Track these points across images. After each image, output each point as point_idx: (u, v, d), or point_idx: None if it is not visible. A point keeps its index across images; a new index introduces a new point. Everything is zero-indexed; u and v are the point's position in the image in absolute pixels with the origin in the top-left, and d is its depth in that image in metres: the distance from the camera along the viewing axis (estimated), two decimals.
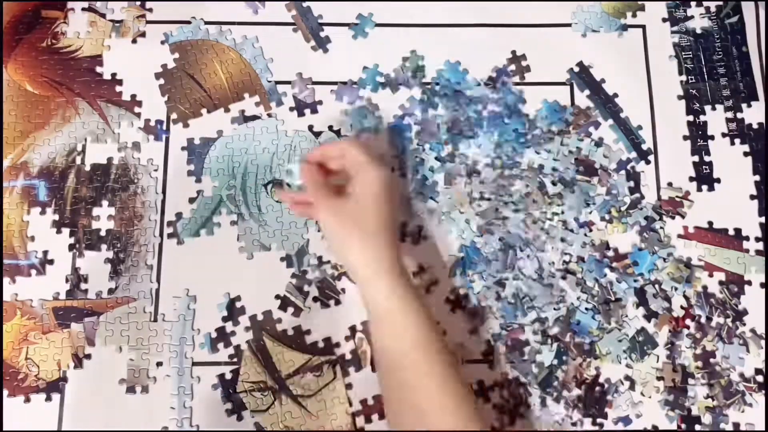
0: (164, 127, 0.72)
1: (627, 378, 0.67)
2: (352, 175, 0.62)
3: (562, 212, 0.70)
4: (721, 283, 0.70)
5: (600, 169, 0.72)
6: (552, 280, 0.69)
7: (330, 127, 0.72)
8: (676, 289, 0.69)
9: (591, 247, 0.70)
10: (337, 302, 0.68)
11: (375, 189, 0.60)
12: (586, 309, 0.68)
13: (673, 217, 0.71)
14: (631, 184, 0.72)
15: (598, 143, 0.73)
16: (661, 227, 0.71)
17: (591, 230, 0.70)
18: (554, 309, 0.68)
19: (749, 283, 0.70)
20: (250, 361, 0.66)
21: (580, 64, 0.75)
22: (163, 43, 0.74)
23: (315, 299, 0.68)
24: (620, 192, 0.71)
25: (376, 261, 0.59)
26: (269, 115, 0.72)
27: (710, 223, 0.71)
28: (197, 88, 0.73)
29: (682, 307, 0.69)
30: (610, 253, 0.70)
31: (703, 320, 0.69)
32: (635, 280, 0.69)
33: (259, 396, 0.65)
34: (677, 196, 0.72)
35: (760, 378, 0.67)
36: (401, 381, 0.58)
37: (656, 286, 0.69)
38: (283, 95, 0.73)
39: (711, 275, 0.70)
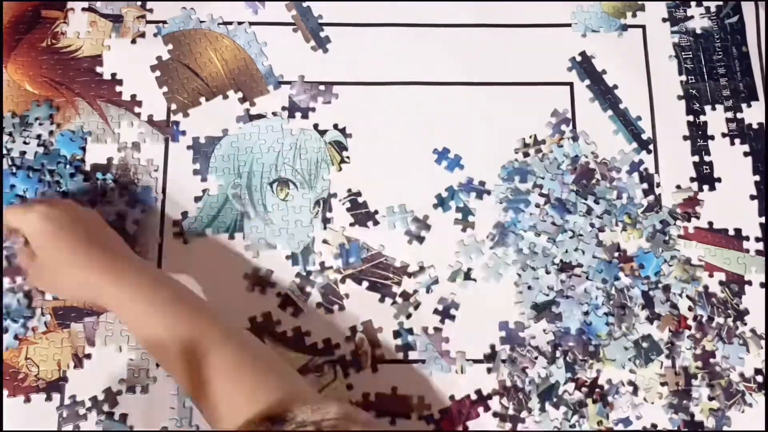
0: (179, 128, 0.72)
1: (630, 383, 0.67)
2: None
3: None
4: (721, 283, 0.69)
5: (597, 166, 0.72)
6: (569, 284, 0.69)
7: (335, 125, 0.72)
8: (685, 290, 0.69)
9: (602, 249, 0.69)
10: (341, 308, 0.68)
11: (40, 240, 0.58)
12: (604, 314, 0.68)
13: (689, 219, 0.71)
14: (645, 186, 0.71)
15: (575, 137, 0.72)
16: (671, 230, 0.71)
17: (603, 230, 0.70)
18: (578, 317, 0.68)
19: (749, 283, 0.70)
20: None
21: (582, 53, 0.75)
22: (156, 35, 0.74)
23: (318, 305, 0.68)
24: (634, 195, 0.71)
25: (94, 285, 0.58)
26: (274, 114, 0.72)
27: (710, 224, 0.71)
28: (194, 78, 0.73)
29: (689, 309, 0.68)
30: (617, 254, 0.70)
31: (704, 320, 0.68)
32: (643, 283, 0.69)
33: None
34: (689, 197, 0.71)
35: (759, 378, 0.67)
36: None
37: (660, 286, 0.69)
38: (280, 77, 0.73)
39: (711, 275, 0.70)
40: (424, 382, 0.66)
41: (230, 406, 0.53)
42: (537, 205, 0.70)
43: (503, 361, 0.67)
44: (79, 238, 0.59)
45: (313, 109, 0.73)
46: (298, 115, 0.73)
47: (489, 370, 0.67)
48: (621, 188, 0.71)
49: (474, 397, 0.66)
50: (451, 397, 0.66)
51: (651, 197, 0.71)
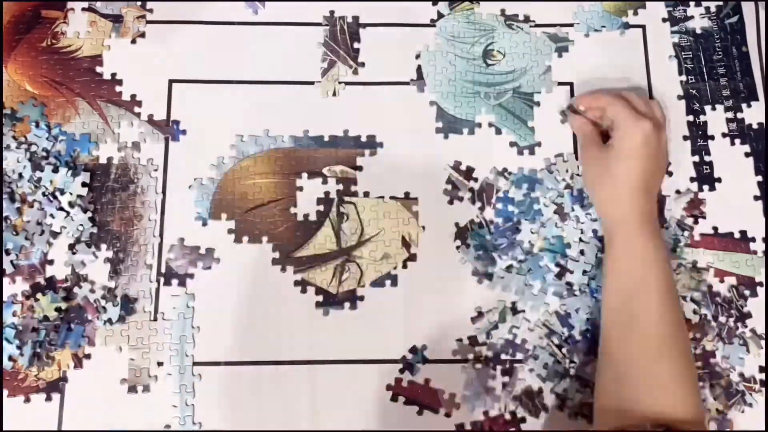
0: (180, 127, 0.72)
1: None
2: (615, 128, 0.65)
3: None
4: (732, 287, 0.69)
5: None
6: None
7: None
8: (692, 299, 0.68)
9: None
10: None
11: (635, 143, 0.63)
12: None
13: (697, 221, 0.70)
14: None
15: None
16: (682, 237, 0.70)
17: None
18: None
19: (761, 284, 0.69)
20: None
21: None
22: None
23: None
24: None
25: (625, 215, 0.63)
26: None
27: (715, 229, 0.70)
28: None
29: (694, 312, 0.68)
30: None
31: (710, 317, 0.68)
32: None
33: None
34: (691, 199, 0.71)
35: (761, 376, 0.67)
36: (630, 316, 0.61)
37: None
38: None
39: (722, 281, 0.69)
40: (456, 381, 0.66)
41: (640, 389, 0.58)
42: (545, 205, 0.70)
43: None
44: (651, 175, 0.65)
45: (192, 275, 0.68)
46: (174, 282, 0.68)
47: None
48: None
49: (507, 417, 0.66)
50: (485, 413, 0.65)
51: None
